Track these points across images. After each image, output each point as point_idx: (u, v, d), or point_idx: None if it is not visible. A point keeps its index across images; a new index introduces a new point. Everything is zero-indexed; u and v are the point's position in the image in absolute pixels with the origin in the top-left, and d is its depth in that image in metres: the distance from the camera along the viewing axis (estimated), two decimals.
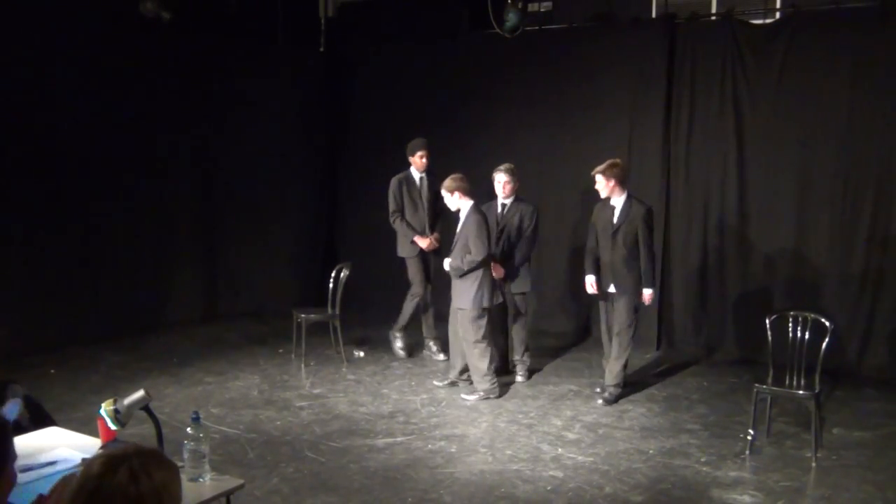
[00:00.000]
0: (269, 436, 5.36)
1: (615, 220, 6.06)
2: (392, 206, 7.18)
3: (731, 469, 4.91)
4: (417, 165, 7.16)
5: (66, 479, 2.22)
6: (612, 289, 6.16)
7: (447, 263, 6.25)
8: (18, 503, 2.28)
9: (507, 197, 6.58)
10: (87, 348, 7.20)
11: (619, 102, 7.97)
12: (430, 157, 7.18)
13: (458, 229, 6.22)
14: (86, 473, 1.66)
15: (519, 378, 6.69)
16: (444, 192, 6.25)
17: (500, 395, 6.23)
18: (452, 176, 6.26)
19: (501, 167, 6.58)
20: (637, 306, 6.16)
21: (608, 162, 6.09)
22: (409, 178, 7.22)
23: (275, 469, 4.79)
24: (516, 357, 6.76)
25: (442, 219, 7.27)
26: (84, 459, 2.92)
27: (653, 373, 7.08)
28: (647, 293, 6.11)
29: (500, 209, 6.62)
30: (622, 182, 6.07)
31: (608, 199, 6.13)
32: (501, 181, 6.52)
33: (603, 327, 6.43)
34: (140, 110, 7.86)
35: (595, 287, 6.27)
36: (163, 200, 8.24)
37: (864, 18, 6.83)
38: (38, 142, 7.07)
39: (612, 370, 6.19)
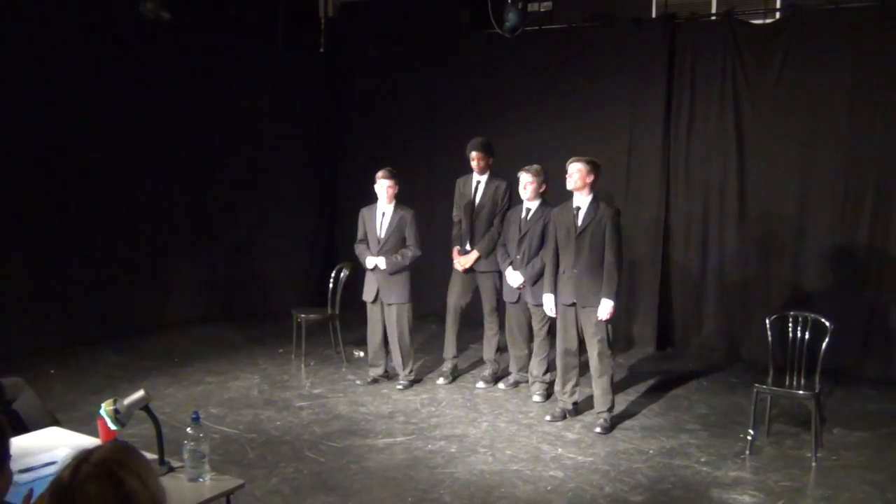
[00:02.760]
0: (269, 436, 5.36)
1: (580, 221, 5.53)
2: (454, 210, 6.69)
3: (731, 469, 4.91)
4: (474, 168, 6.53)
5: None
6: (573, 298, 5.55)
7: (381, 261, 6.27)
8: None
9: (530, 199, 6.12)
10: (87, 348, 7.20)
11: (619, 102, 7.96)
12: (486, 160, 6.45)
13: (384, 227, 6.33)
14: (57, 482, 1.60)
15: (536, 398, 6.13)
16: (387, 183, 6.27)
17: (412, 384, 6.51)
18: (390, 169, 6.34)
19: (527, 167, 6.14)
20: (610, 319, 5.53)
21: (591, 158, 5.62)
22: (468, 181, 6.60)
23: (275, 469, 4.79)
24: (534, 374, 6.22)
25: (490, 233, 6.44)
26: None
27: (653, 373, 7.07)
28: (608, 306, 5.39)
29: (523, 213, 6.17)
30: (595, 183, 5.58)
31: (570, 200, 5.63)
32: (524, 182, 6.10)
33: (560, 346, 5.72)
34: (140, 110, 7.86)
35: (554, 309, 5.69)
36: (163, 200, 8.24)
37: (864, 18, 6.83)
38: (37, 142, 7.07)
39: (598, 395, 5.58)
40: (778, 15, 7.64)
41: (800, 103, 7.15)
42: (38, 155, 7.08)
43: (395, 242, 6.32)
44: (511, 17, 7.37)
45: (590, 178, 5.55)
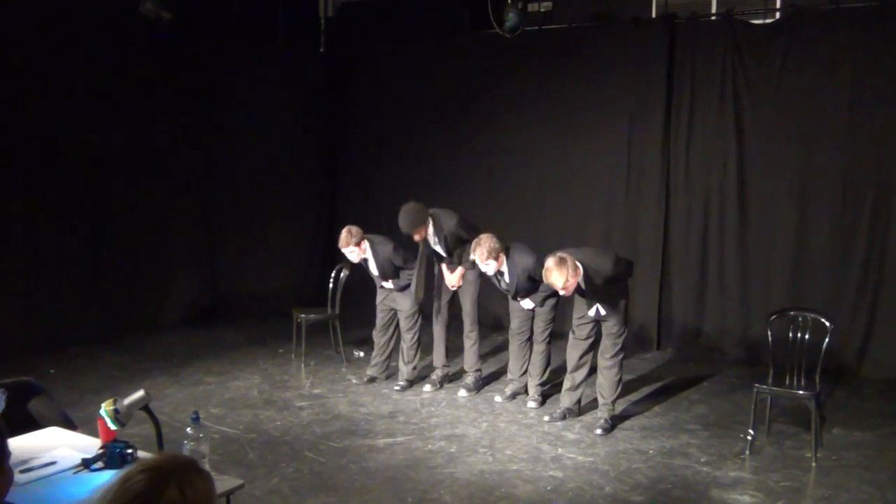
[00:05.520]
0: (269, 436, 5.36)
1: (587, 293, 5.41)
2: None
3: (731, 469, 4.91)
4: (418, 240, 6.33)
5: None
6: (596, 312, 5.52)
7: (389, 284, 6.44)
8: (18, 503, 2.28)
9: (498, 266, 5.80)
10: (87, 348, 7.20)
11: (619, 102, 7.96)
12: (424, 229, 6.23)
13: (373, 268, 6.47)
14: (127, 491, 1.55)
15: (531, 403, 6.02)
16: (350, 249, 6.37)
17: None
18: (353, 229, 6.39)
19: (471, 248, 5.77)
20: (625, 323, 5.60)
21: (557, 263, 5.09)
22: (423, 245, 6.41)
23: (275, 469, 4.79)
24: (531, 380, 6.11)
25: (465, 246, 6.17)
26: (84, 459, 2.93)
27: (653, 373, 7.07)
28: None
29: (500, 283, 5.95)
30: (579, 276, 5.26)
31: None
32: (479, 261, 5.74)
33: (576, 345, 5.70)
34: (140, 110, 7.86)
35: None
36: (163, 200, 8.24)
37: (864, 18, 6.83)
38: (38, 142, 7.07)
39: (604, 395, 5.61)
40: (778, 15, 7.64)
41: (800, 103, 7.15)
42: (38, 155, 7.09)
43: (391, 272, 6.44)
44: (511, 17, 7.37)
45: (575, 278, 5.17)
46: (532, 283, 5.87)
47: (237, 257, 9.01)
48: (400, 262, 6.40)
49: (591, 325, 5.64)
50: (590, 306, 5.53)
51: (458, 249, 6.31)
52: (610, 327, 5.57)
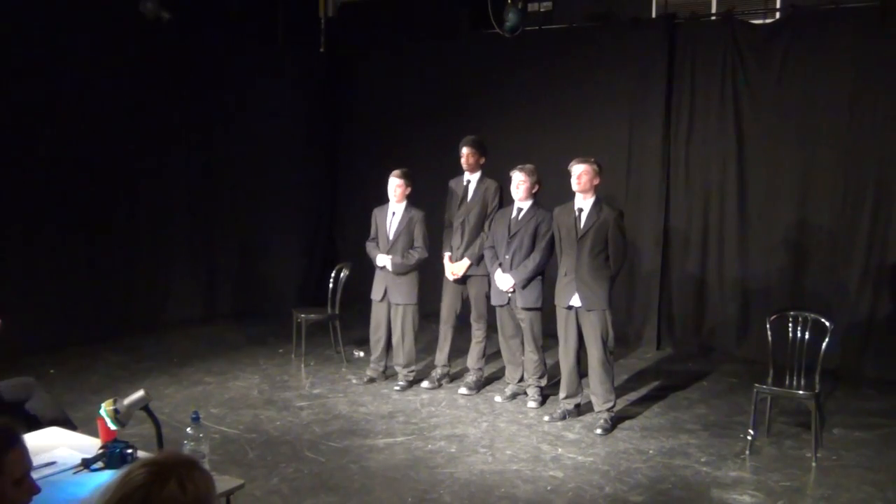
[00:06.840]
0: (269, 436, 5.36)
1: (581, 224, 5.53)
2: (445, 213, 6.56)
3: (731, 469, 4.91)
4: (464, 166, 6.35)
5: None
6: (574, 301, 5.56)
7: (387, 261, 6.31)
8: None
9: (522, 199, 5.94)
10: (87, 348, 7.20)
11: (619, 102, 7.97)
12: (476, 157, 6.29)
13: (393, 226, 6.37)
14: (128, 483, 1.58)
15: (531, 404, 6.00)
16: (398, 182, 6.34)
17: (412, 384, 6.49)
18: (403, 170, 6.39)
19: (521, 166, 5.99)
20: (611, 320, 5.57)
21: (595, 159, 5.64)
22: (458, 182, 6.46)
23: (275, 469, 4.79)
24: (529, 379, 6.08)
25: (480, 238, 6.26)
26: (84, 459, 2.93)
27: (653, 373, 7.07)
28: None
29: (514, 213, 5.97)
30: (599, 185, 5.63)
31: (570, 202, 5.63)
32: (517, 181, 5.92)
33: (561, 350, 5.72)
34: (139, 110, 7.85)
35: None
36: (163, 200, 8.23)
37: (864, 18, 6.84)
38: (38, 141, 7.07)
39: (599, 396, 5.57)
40: (778, 15, 7.64)
41: (800, 103, 7.15)
42: (38, 154, 7.09)
43: (404, 242, 6.33)
44: (511, 17, 7.38)
45: (596, 181, 5.59)
46: (530, 244, 5.89)
47: (237, 257, 9.01)
48: (420, 233, 6.31)
49: (574, 332, 5.62)
50: (570, 292, 5.54)
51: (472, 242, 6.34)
52: (595, 340, 5.52)
